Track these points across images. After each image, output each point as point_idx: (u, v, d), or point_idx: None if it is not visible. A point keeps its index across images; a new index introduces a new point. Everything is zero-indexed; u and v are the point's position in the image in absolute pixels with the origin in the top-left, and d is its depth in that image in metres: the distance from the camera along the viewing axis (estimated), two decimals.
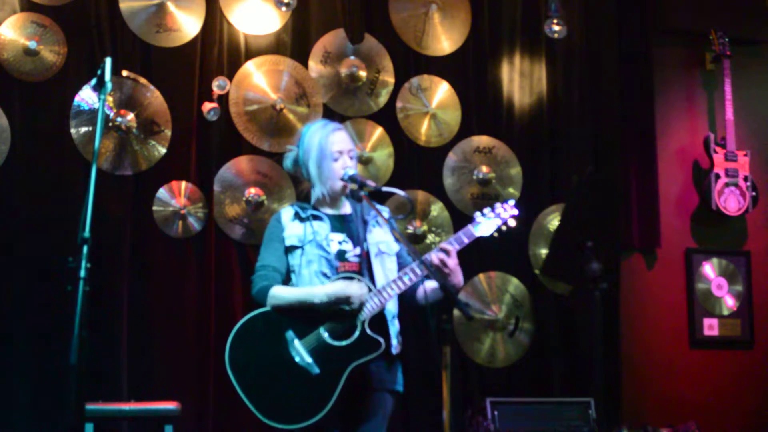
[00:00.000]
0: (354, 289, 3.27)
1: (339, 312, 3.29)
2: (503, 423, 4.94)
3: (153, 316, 4.93)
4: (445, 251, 3.29)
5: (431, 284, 3.43)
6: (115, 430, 4.54)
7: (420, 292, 3.47)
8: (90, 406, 4.17)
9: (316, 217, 3.41)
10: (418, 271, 3.31)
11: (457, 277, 3.32)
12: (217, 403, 4.91)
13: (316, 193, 3.47)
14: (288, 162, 3.58)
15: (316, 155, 3.41)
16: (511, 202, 3.49)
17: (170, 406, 4.32)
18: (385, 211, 3.46)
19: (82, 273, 2.92)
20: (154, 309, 4.94)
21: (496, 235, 3.45)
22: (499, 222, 3.45)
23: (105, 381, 4.63)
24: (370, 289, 3.31)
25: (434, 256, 3.28)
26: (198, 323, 4.98)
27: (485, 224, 3.44)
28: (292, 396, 3.25)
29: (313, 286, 3.32)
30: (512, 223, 3.48)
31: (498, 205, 3.50)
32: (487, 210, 3.48)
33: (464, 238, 3.39)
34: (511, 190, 5.60)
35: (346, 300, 3.27)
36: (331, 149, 3.40)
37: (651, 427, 5.32)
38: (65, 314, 3.05)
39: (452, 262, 3.28)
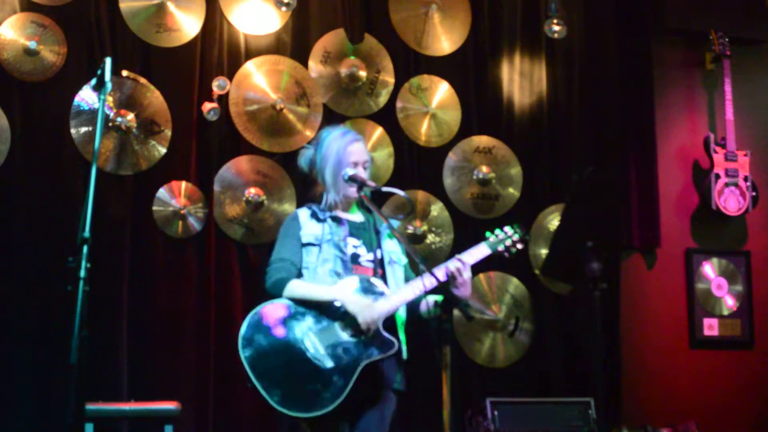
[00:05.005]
0: (365, 316, 3.31)
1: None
2: (503, 423, 4.94)
3: (153, 317, 4.93)
4: (462, 262, 3.41)
5: (433, 297, 3.50)
6: (115, 430, 4.54)
7: (423, 305, 3.50)
8: (90, 406, 4.17)
9: (335, 219, 3.51)
10: (432, 278, 3.37)
11: (467, 290, 3.42)
12: (217, 403, 4.91)
13: (329, 198, 3.55)
14: (302, 161, 3.66)
15: (333, 163, 3.52)
16: (520, 232, 3.65)
17: (170, 406, 4.33)
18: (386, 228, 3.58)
19: (82, 273, 2.92)
20: (154, 309, 4.94)
21: (507, 255, 3.63)
22: (509, 243, 3.62)
23: (105, 381, 4.63)
24: (382, 294, 3.38)
25: (451, 265, 3.39)
26: (198, 323, 4.98)
27: (496, 243, 3.60)
28: (303, 386, 3.26)
29: (332, 287, 3.37)
30: (520, 246, 3.66)
31: (508, 228, 3.65)
32: (498, 231, 3.64)
33: (478, 255, 3.53)
34: (511, 190, 5.60)
35: (357, 321, 3.33)
36: (348, 159, 3.51)
37: (651, 427, 5.32)
38: (65, 314, 3.05)
39: (466, 274, 3.40)
